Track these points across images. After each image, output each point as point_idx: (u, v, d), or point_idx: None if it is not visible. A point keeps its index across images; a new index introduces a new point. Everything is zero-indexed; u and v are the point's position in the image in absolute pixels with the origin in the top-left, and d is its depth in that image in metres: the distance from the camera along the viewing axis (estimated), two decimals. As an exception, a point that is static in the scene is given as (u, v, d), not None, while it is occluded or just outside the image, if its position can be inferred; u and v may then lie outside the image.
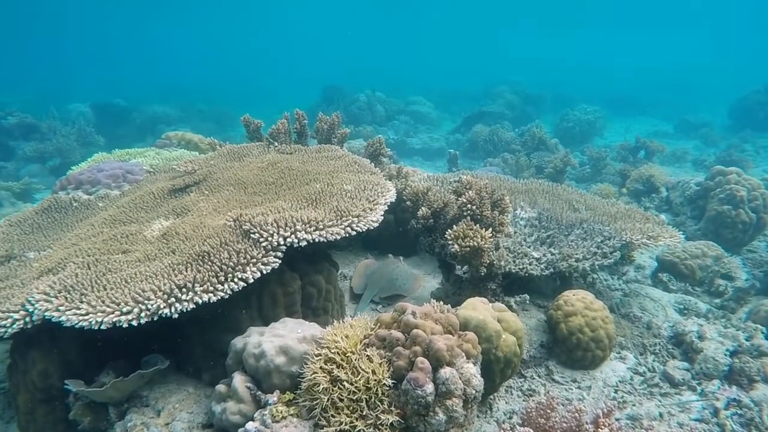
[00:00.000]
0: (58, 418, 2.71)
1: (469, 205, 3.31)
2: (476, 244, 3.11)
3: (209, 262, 2.62)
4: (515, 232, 4.27)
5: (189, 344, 2.91)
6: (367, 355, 2.32)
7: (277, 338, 2.49)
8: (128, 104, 14.68)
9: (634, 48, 43.38)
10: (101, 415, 2.65)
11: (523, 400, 3.19)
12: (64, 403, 2.70)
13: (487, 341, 2.68)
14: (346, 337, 2.42)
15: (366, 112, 15.80)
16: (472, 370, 2.27)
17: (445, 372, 2.17)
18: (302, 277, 3.00)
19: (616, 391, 3.24)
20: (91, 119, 12.93)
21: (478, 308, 2.81)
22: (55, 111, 11.11)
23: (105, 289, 2.56)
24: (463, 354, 2.31)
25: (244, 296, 2.80)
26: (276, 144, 4.41)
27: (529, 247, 4.12)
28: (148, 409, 2.73)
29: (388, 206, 3.37)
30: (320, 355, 2.39)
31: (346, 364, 2.32)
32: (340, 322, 2.56)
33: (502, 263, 3.41)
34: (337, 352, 2.36)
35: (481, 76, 25.70)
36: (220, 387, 2.49)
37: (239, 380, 2.44)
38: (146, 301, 2.39)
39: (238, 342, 2.58)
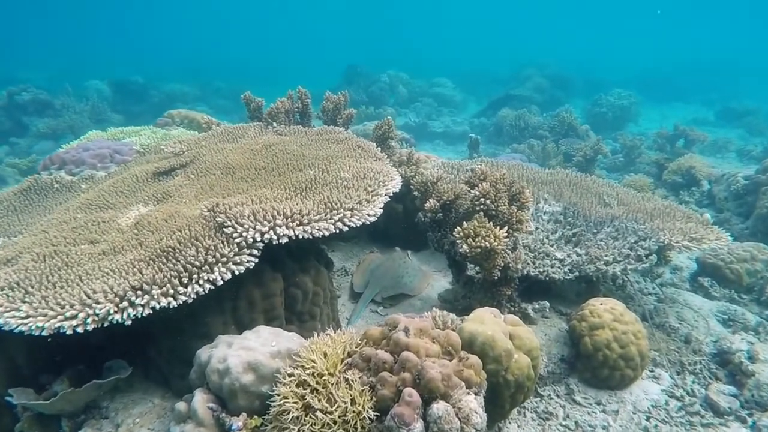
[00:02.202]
0: (6, 428, 2.41)
1: (482, 199, 2.87)
2: (488, 244, 2.68)
3: (173, 260, 2.26)
4: (537, 228, 3.81)
5: (157, 349, 2.58)
6: (347, 380, 1.93)
7: (246, 352, 2.13)
8: (146, 82, 14.48)
9: (670, 28, 41.08)
10: (51, 429, 2.34)
11: (538, 424, 2.78)
12: (13, 412, 2.40)
13: (495, 362, 2.27)
14: (325, 355, 2.04)
15: (387, 93, 15.28)
16: (473, 404, 1.86)
17: (439, 408, 1.77)
18: (286, 278, 2.62)
19: (648, 419, 2.79)
20: (108, 96, 12.77)
21: (486, 322, 2.38)
22: (70, 87, 10.95)
23: (54, 288, 2.23)
24: (463, 383, 1.90)
25: (216, 299, 2.44)
26: (275, 125, 4.02)
27: (552, 245, 3.66)
28: (107, 422, 2.41)
29: (390, 197, 2.97)
30: (293, 375, 2.02)
31: (322, 388, 1.94)
32: (321, 335, 2.18)
33: (519, 266, 2.97)
34: (312, 374, 1.99)
35: (509, 58, 24.77)
36: (180, 405, 2.14)
37: (200, 400, 2.09)
38: (94, 305, 2.05)
39: (203, 353, 2.23)
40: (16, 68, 18.80)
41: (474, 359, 2.01)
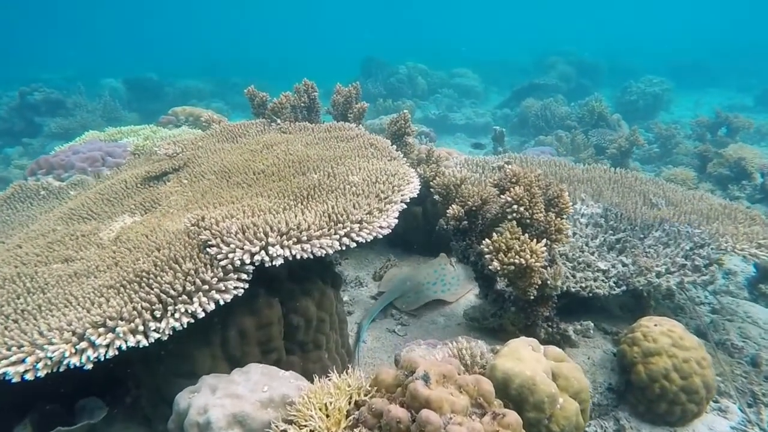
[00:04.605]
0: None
1: (515, 206, 2.43)
2: (524, 261, 2.24)
3: (146, 287, 1.89)
4: (575, 234, 3.35)
5: (138, 386, 2.23)
6: (353, 442, 1.54)
7: (232, 401, 1.75)
8: (161, 78, 14.28)
9: (700, 8, 39.11)
10: (12, 484, 2.01)
11: (585, 471, 2.35)
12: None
13: (536, 410, 1.85)
14: (326, 408, 1.65)
15: (406, 85, 14.76)
16: (514, 481, 1.45)
17: (469, 491, 1.36)
18: (284, 303, 2.23)
19: (717, 466, 2.34)
20: (123, 94, 12.59)
21: (524, 358, 1.96)
22: (82, 86, 10.77)
23: (6, 321, 1.88)
24: (500, 451, 1.49)
25: (203, 330, 2.07)
26: (278, 121, 3.63)
27: (592, 253, 3.20)
28: (78, 475, 2.07)
29: (407, 204, 2.56)
30: (287, 433, 1.64)
31: (322, 454, 1.56)
32: (323, 380, 1.78)
33: (559, 283, 2.53)
34: (310, 434, 1.60)
35: (532, 45, 23.96)
36: (155, 465, 1.78)
37: (177, 460, 1.73)
38: (47, 347, 1.69)
39: (181, 399, 1.86)
40: (34, 70, 18.84)
41: (512, 417, 1.59)
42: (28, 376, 1.66)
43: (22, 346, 1.70)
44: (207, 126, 4.07)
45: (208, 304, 1.86)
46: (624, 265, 3.09)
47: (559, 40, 24.67)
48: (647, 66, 18.26)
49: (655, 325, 2.65)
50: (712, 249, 3.09)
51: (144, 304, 1.81)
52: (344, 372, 1.81)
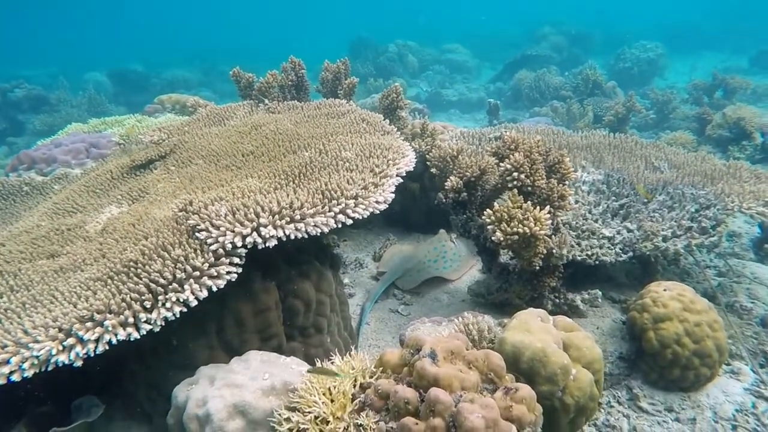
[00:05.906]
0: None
1: (515, 173, 2.33)
2: (527, 230, 2.15)
3: (134, 277, 1.80)
4: (577, 202, 3.26)
5: (134, 382, 2.15)
6: (359, 426, 1.47)
7: (231, 391, 1.67)
8: (146, 70, 13.99)
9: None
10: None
11: (599, 442, 2.30)
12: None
13: (549, 382, 1.78)
14: (330, 392, 1.57)
15: (397, 63, 14.51)
16: (530, 458, 1.38)
17: (485, 471, 1.29)
18: (282, 287, 2.15)
19: (734, 428, 2.28)
20: (108, 87, 12.34)
21: (533, 330, 1.89)
22: (66, 80, 10.52)
23: (-10, 321, 1.79)
24: (514, 427, 1.41)
25: (198, 319, 1.98)
26: (266, 102, 3.51)
27: (596, 221, 3.11)
28: (78, 474, 2.00)
29: (403, 177, 2.45)
30: (290, 420, 1.56)
31: (328, 440, 1.48)
32: (325, 363, 1.71)
33: (565, 252, 2.44)
34: (315, 419, 1.53)
35: (523, 17, 23.55)
36: (155, 461, 1.71)
37: (177, 455, 1.65)
38: (32, 345, 1.60)
39: (179, 393, 1.78)
40: (15, 66, 18.42)
41: (525, 391, 1.52)
42: (15, 378, 1.58)
43: (6, 346, 1.61)
44: (193, 112, 3.94)
45: (201, 291, 1.76)
46: (629, 230, 3.00)
47: (550, 10, 24.26)
48: (640, 31, 17.96)
49: (665, 290, 2.58)
50: (718, 209, 3.01)
51: (133, 294, 1.72)
52: (347, 355, 1.74)
